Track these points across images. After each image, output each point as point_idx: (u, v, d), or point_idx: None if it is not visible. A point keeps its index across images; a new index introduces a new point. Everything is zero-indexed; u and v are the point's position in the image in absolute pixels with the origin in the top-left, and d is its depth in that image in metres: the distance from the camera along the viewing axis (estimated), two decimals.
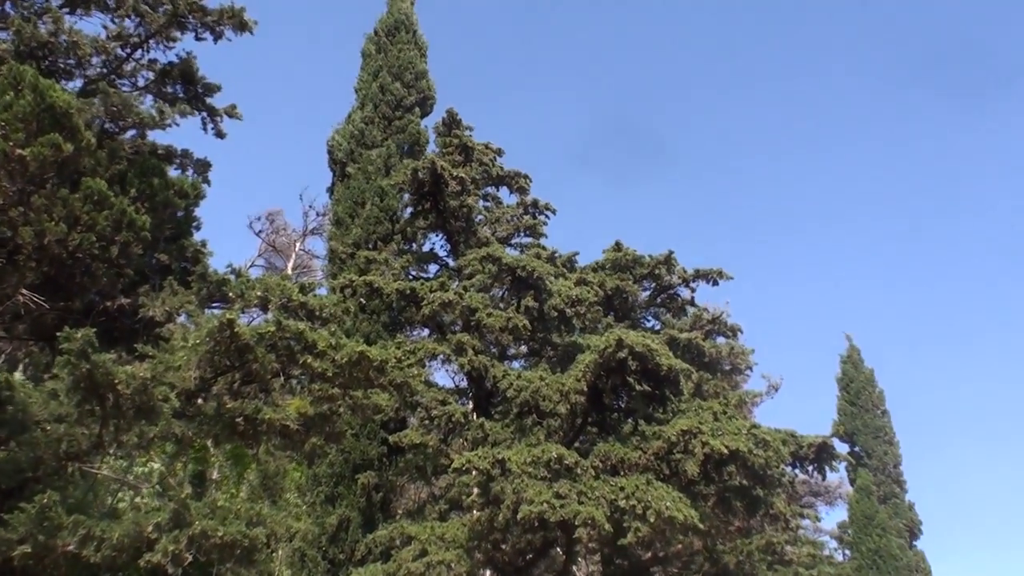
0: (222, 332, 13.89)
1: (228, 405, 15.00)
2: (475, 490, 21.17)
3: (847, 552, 47.83)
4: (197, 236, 23.50)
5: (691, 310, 31.42)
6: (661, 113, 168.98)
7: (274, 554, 25.57)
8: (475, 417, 24.34)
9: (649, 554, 25.45)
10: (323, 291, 24.83)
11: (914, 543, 43.64)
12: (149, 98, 24.95)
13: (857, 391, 47.73)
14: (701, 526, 19.32)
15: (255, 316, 20.41)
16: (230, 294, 16.73)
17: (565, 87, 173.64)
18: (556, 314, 24.45)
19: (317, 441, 17.72)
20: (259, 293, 16.26)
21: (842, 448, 46.85)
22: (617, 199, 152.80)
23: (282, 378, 15.70)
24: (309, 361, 14.75)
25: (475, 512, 22.13)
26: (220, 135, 27.34)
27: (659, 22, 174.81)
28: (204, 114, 26.90)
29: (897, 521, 43.06)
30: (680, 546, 25.49)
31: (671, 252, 28.93)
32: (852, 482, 45.41)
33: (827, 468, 23.76)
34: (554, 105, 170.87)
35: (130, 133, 23.72)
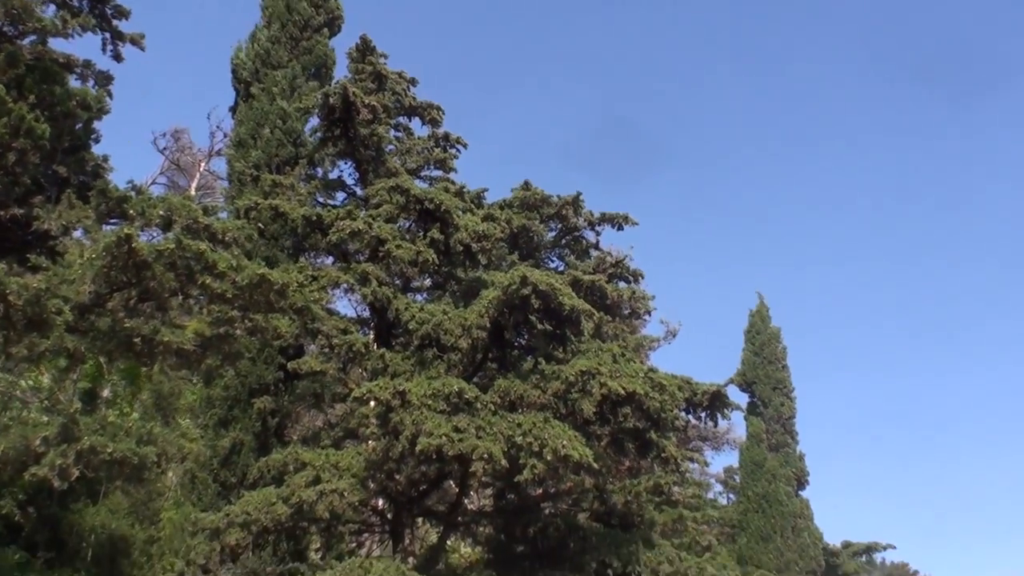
0: (119, 247, 13.55)
1: (124, 322, 14.69)
2: (373, 420, 21.13)
3: (732, 496, 49.30)
4: (98, 150, 22.83)
5: (595, 253, 31.62)
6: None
7: (165, 474, 25.29)
8: (376, 348, 24.23)
9: (540, 491, 25.82)
10: (224, 215, 24.31)
11: (800, 492, 45.02)
12: (52, 8, 24.04)
13: (762, 344, 48.86)
14: (595, 465, 19.61)
15: (156, 236, 19.94)
16: (131, 211, 16.29)
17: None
18: (462, 249, 24.36)
19: (214, 362, 17.53)
20: (161, 212, 15.88)
21: (741, 397, 48.11)
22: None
23: (180, 298, 15.43)
24: (208, 282, 14.48)
25: (371, 442, 22.15)
26: (118, 58, 26.51)
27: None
28: (108, 35, 26.00)
29: (787, 469, 44.34)
30: (571, 484, 25.92)
31: (579, 193, 28.99)
32: (746, 429, 46.65)
33: (719, 416, 24.26)
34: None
35: (29, 39, 22.83)
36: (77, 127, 20.04)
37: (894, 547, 55.33)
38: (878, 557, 58.51)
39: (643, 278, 31.42)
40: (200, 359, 16.88)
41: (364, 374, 24.07)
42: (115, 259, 13.75)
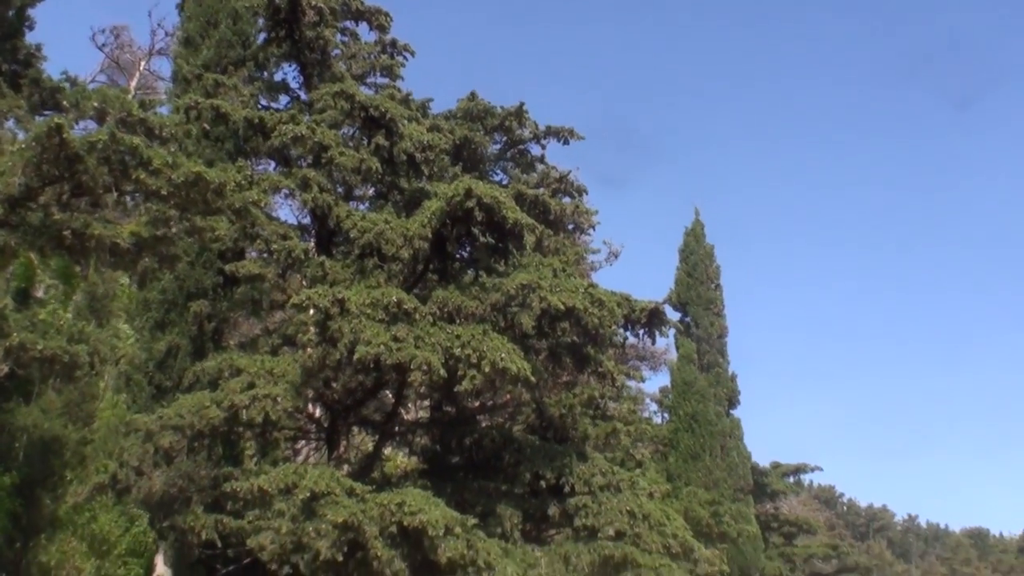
0: (50, 138, 13.15)
1: (55, 216, 14.34)
2: (311, 328, 21.00)
3: (666, 416, 49.96)
4: (32, 39, 21.99)
5: (540, 167, 31.47)
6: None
7: (100, 376, 25.05)
8: (316, 255, 24.01)
9: (477, 403, 25.96)
10: (165, 110, 23.72)
11: (731, 411, 45.76)
12: None
13: (695, 263, 48.94)
14: (533, 379, 19.71)
15: (92, 129, 19.39)
16: (64, 102, 15.85)
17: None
18: (406, 158, 24.06)
19: (150, 264, 17.24)
20: (95, 104, 15.46)
21: (674, 317, 48.34)
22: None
23: (115, 194, 15.06)
24: (143, 178, 14.13)
25: (309, 350, 22.02)
26: None
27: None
28: None
29: (717, 389, 44.98)
30: (508, 397, 26.09)
31: (522, 104, 28.74)
32: (678, 349, 47.07)
33: (657, 333, 24.45)
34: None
35: None
36: (9, 13, 19.28)
37: (821, 469, 56.71)
38: (805, 479, 60.06)
39: (587, 194, 31.42)
40: (136, 259, 16.60)
41: (304, 281, 23.86)
42: (46, 150, 13.35)
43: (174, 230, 15.71)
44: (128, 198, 16.05)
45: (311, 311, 20.06)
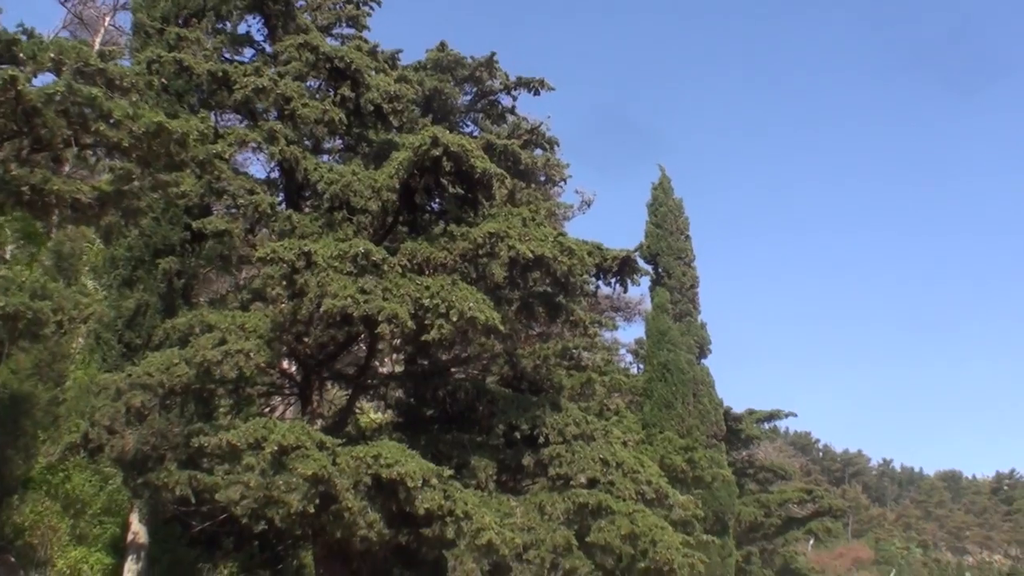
0: (5, 92, 12.90)
1: (13, 172, 14.10)
2: (280, 282, 20.85)
3: (642, 366, 50.09)
4: None
5: (511, 119, 31.26)
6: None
7: (71, 336, 24.85)
8: (285, 209, 23.81)
9: (450, 355, 25.92)
10: (126, 63, 23.29)
11: (702, 359, 45.92)
12: None
13: (664, 215, 48.89)
14: (502, 328, 19.69)
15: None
16: (20, 55, 15.44)
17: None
18: (373, 109, 23.83)
19: (114, 219, 17.02)
20: (52, 55, 15.07)
21: (646, 268, 48.37)
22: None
23: (75, 148, 14.81)
24: (103, 130, 13.89)
25: (279, 304, 21.88)
26: None
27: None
28: None
29: (688, 338, 45.10)
30: (481, 348, 26.08)
31: (493, 54, 28.48)
32: (652, 300, 47.15)
33: (629, 281, 24.47)
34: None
35: None
36: None
37: (795, 415, 57.25)
38: (781, 426, 60.58)
39: (559, 146, 31.27)
40: (99, 215, 16.38)
41: (272, 236, 23.66)
42: (2, 105, 13.10)
43: (137, 184, 15.46)
44: (90, 153, 15.80)
45: (278, 265, 19.88)
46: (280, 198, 25.38)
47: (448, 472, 19.26)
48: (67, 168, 15.50)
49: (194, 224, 24.19)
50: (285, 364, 25.58)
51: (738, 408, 54.40)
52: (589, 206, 50.80)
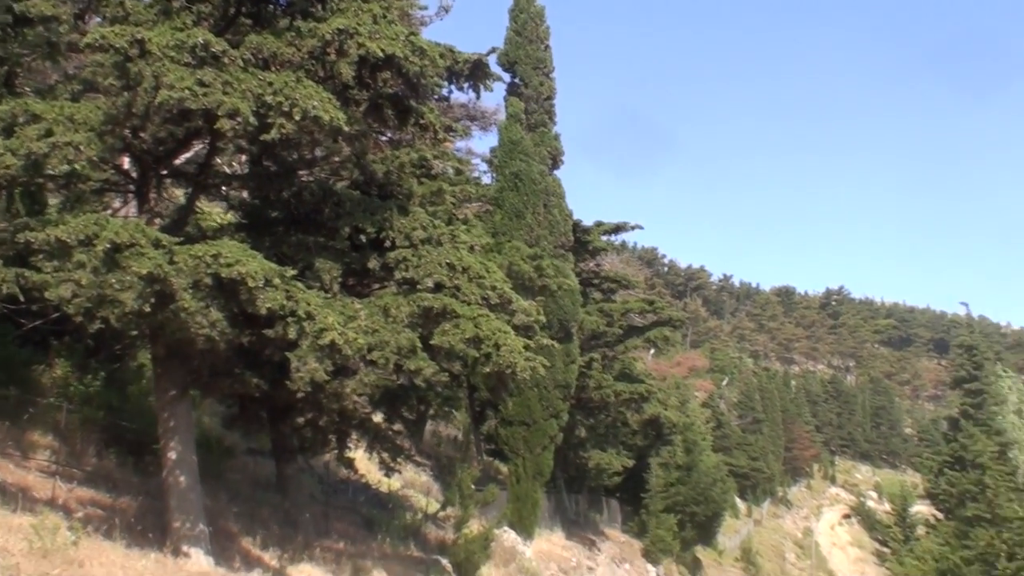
0: None
1: None
2: (112, 71, 19.62)
3: (495, 176, 50.15)
4: None
5: None
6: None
7: None
8: None
9: (297, 156, 25.24)
10: None
11: (554, 171, 46.16)
12: None
13: (524, 22, 47.92)
14: (347, 128, 19.12)
15: None
16: None
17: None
18: None
19: None
20: None
21: (504, 77, 47.73)
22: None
23: None
24: None
25: (111, 96, 20.67)
26: None
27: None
28: None
29: (542, 149, 45.13)
30: (330, 151, 25.48)
31: None
32: (506, 109, 46.78)
33: (482, 87, 24.13)
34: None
35: None
36: None
37: (641, 227, 58.23)
38: (629, 241, 61.71)
39: None
40: None
41: (104, 23, 22.12)
42: None
43: None
44: None
45: (110, 52, 18.67)
46: None
47: (291, 273, 18.93)
48: None
49: (16, 7, 22.37)
50: (123, 162, 24.46)
51: (588, 220, 55.41)
52: (447, 12, 49.36)
